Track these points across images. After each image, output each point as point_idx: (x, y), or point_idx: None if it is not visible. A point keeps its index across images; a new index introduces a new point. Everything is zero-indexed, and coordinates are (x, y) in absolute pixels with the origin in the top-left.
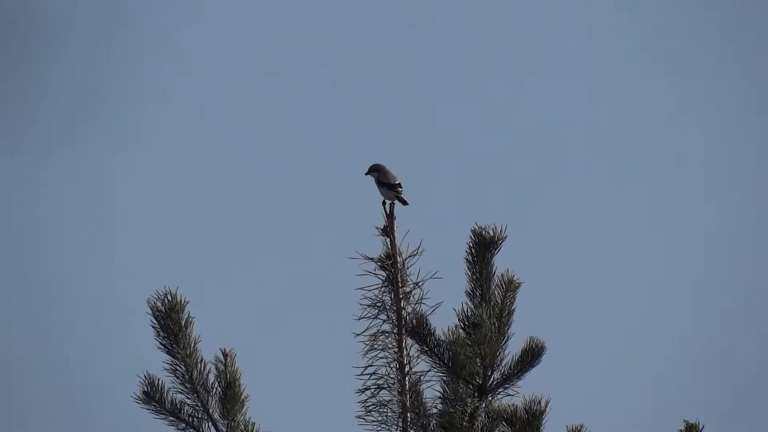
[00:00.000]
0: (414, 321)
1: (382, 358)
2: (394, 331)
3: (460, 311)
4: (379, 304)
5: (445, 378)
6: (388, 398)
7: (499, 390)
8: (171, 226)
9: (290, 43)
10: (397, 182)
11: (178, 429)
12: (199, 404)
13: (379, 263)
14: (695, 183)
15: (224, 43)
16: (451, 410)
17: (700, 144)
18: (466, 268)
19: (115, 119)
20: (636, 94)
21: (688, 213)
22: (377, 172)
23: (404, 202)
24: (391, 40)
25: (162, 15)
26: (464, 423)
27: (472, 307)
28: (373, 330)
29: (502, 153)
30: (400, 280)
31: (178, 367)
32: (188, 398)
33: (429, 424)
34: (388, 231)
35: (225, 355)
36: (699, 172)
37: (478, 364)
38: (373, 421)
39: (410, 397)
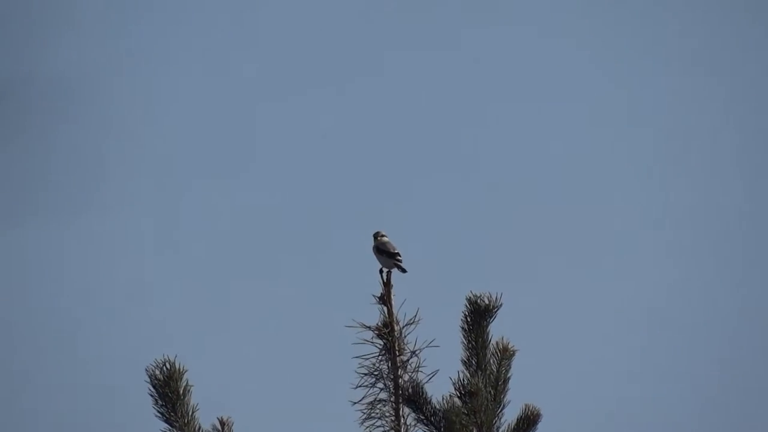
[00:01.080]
0: (410, 389)
1: (379, 426)
2: (392, 399)
3: (456, 380)
4: (376, 373)
5: None
6: None
7: None
8: (170, 292)
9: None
10: (396, 251)
11: None
12: None
13: (376, 332)
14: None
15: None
16: None
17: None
18: (462, 336)
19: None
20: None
21: (686, 277)
22: (378, 239)
23: (403, 270)
24: (384, 99)
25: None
26: None
27: (468, 375)
28: (371, 398)
29: (499, 219)
30: (397, 348)
31: None
32: None
33: None
34: (385, 299)
35: (222, 423)
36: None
37: None
38: None
39: None
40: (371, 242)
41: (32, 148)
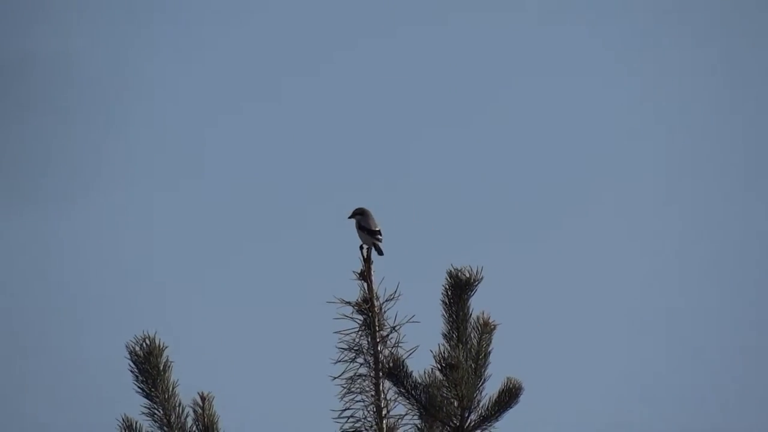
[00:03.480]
0: (391, 363)
1: (359, 401)
2: (372, 374)
3: (437, 353)
4: (356, 348)
5: (422, 420)
6: None
7: (477, 431)
8: (154, 271)
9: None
10: (377, 229)
11: None
12: None
13: (356, 307)
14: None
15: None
16: None
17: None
18: (443, 309)
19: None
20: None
21: (667, 247)
22: (360, 215)
23: (380, 252)
24: (373, 79)
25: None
26: None
27: (449, 348)
28: (351, 373)
29: (479, 194)
30: (377, 324)
31: (156, 411)
32: None
33: None
34: (365, 275)
35: (203, 398)
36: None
37: (455, 406)
38: None
39: None
40: (356, 217)
41: (29, 136)
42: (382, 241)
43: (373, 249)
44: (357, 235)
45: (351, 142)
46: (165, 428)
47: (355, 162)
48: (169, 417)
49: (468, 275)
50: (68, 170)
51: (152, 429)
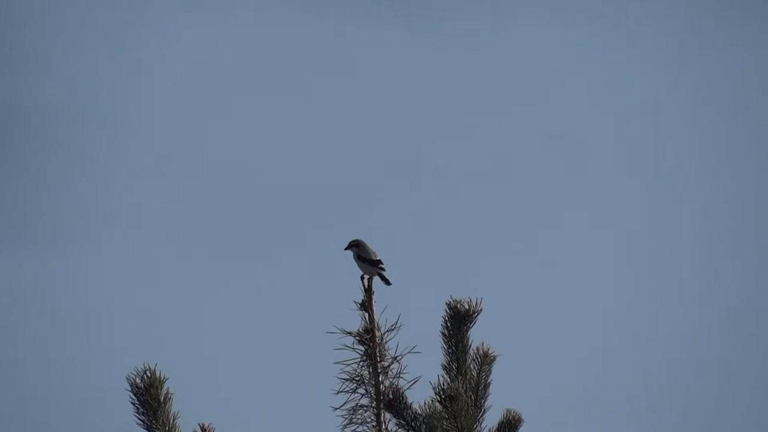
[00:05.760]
0: (390, 394)
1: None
2: (373, 405)
3: (437, 384)
4: (357, 378)
5: None
6: None
7: None
8: (151, 303)
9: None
10: (378, 258)
11: None
12: None
13: (357, 338)
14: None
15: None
16: None
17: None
18: (442, 341)
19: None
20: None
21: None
22: (357, 247)
23: (387, 282)
24: (373, 105)
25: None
26: None
27: (449, 380)
28: (352, 404)
29: (479, 225)
30: (378, 354)
31: None
32: None
33: None
34: (366, 305)
35: (204, 430)
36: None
37: None
38: None
39: None
40: (353, 249)
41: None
42: (386, 270)
43: (374, 279)
44: (357, 266)
45: (348, 168)
46: None
47: (350, 189)
48: None
49: (467, 306)
50: (59, 221)
51: None
